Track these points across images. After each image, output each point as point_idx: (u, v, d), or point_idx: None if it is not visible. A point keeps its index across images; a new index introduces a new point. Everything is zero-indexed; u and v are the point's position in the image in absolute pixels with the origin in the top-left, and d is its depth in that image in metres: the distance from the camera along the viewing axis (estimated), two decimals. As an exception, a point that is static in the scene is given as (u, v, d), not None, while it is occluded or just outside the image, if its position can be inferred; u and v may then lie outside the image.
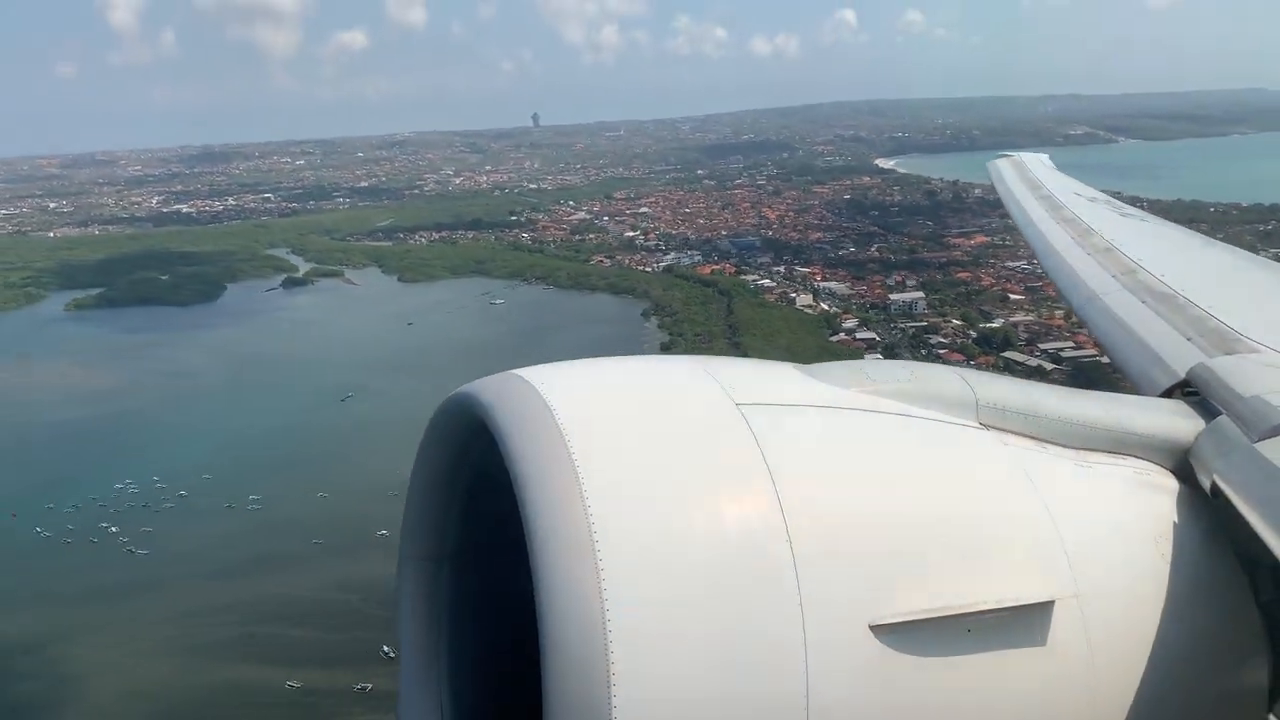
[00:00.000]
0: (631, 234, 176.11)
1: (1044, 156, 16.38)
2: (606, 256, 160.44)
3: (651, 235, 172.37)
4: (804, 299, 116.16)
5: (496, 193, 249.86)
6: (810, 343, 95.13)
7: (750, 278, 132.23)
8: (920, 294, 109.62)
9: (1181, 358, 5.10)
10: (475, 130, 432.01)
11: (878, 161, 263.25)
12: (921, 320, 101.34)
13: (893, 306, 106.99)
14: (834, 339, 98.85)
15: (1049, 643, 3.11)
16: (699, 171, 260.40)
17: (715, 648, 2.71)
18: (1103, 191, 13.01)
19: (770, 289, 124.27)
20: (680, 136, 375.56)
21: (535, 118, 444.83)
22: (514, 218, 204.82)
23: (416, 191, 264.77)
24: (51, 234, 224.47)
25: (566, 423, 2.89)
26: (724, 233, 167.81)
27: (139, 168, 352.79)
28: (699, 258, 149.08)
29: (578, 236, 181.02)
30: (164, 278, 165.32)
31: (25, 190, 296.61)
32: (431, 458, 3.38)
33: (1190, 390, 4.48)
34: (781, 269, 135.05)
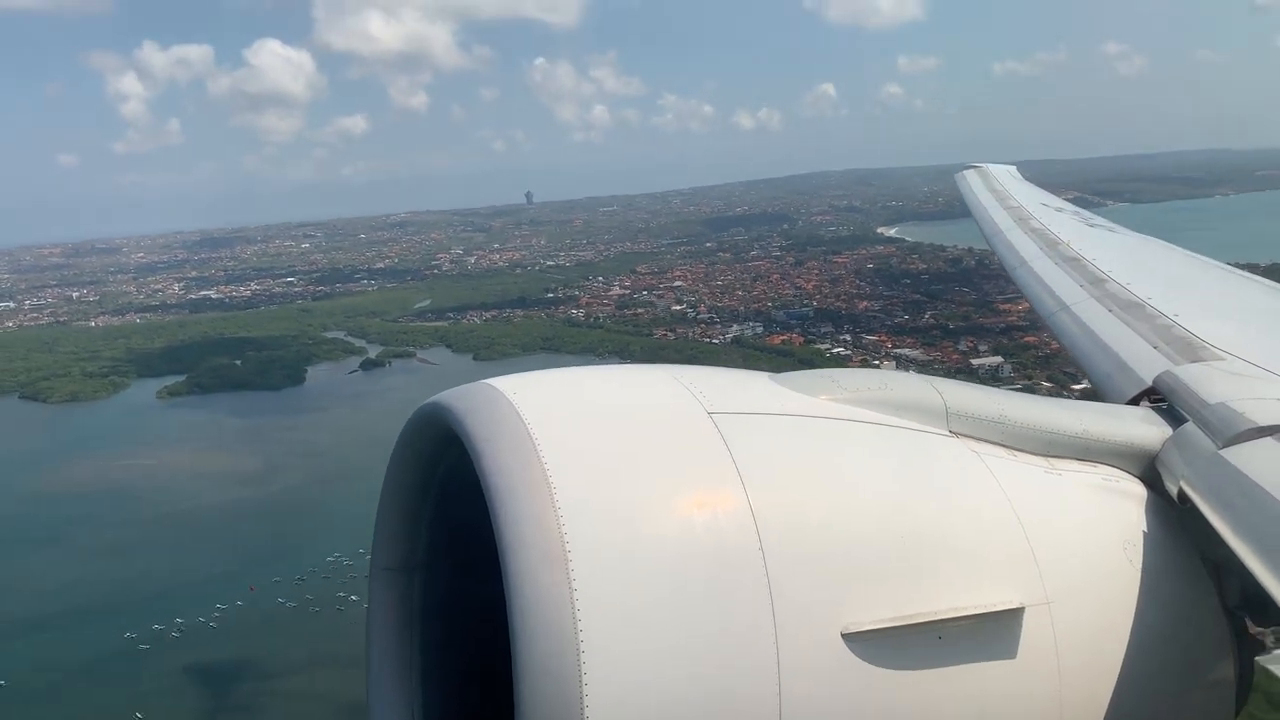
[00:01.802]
0: (679, 307, 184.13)
1: (1011, 168, 16.42)
2: (667, 330, 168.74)
3: (701, 308, 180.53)
4: (887, 366, 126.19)
5: (518, 271, 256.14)
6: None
7: (822, 347, 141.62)
8: (999, 358, 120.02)
9: (1148, 366, 5.18)
10: (470, 209, 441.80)
11: (879, 230, 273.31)
12: (1014, 383, 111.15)
13: (979, 371, 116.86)
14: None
15: (1019, 648, 3.16)
16: (707, 244, 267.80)
17: (688, 657, 2.71)
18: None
19: (849, 357, 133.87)
20: (674, 209, 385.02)
21: (529, 195, 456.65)
22: (550, 295, 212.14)
23: (435, 271, 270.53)
24: (92, 323, 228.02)
25: (538, 432, 2.90)
26: (769, 304, 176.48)
27: (142, 255, 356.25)
28: (760, 329, 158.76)
29: (626, 311, 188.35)
30: (237, 363, 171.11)
31: (39, 280, 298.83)
32: (403, 468, 3.45)
33: (1157, 398, 4.63)
34: (848, 337, 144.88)
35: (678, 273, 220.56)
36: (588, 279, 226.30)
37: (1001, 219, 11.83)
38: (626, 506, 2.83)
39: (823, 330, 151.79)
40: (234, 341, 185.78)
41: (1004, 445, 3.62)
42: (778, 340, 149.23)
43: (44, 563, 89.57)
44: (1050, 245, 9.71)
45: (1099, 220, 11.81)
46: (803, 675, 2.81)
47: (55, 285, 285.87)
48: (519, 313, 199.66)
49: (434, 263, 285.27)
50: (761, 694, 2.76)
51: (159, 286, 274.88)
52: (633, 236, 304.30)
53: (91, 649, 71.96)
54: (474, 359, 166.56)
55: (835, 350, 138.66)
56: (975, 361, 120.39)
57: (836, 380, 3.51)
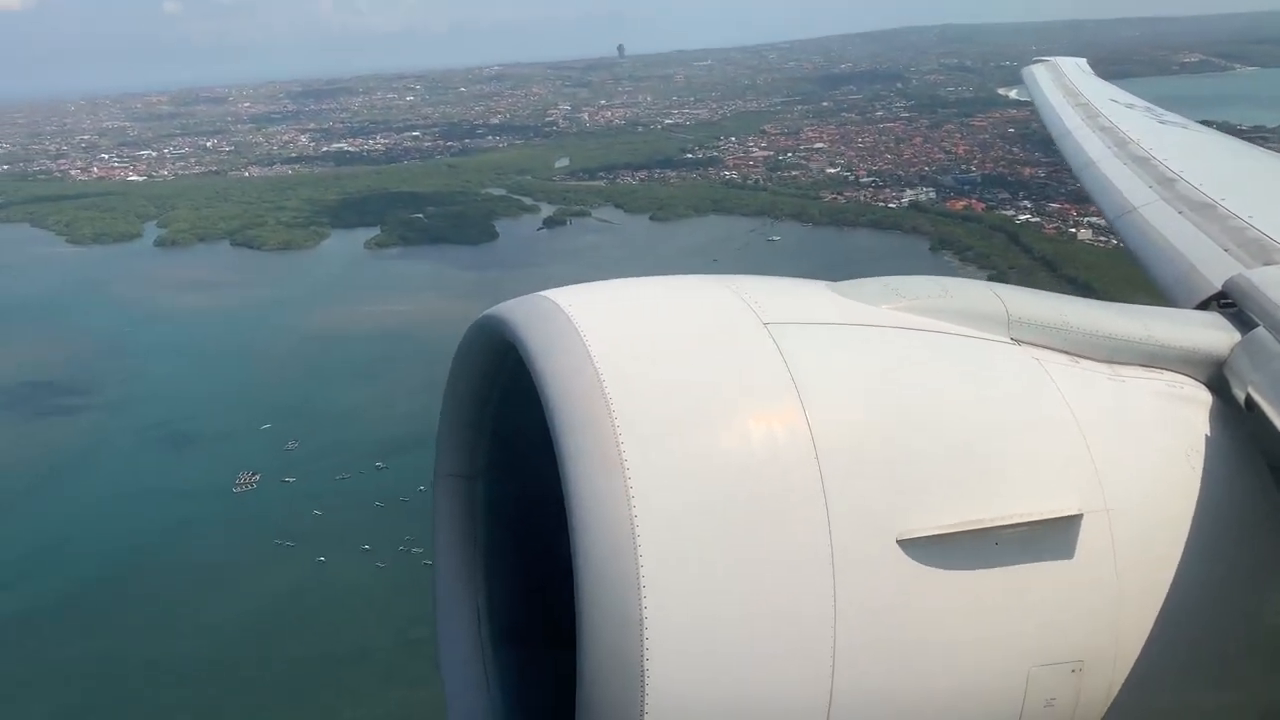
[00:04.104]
0: (833, 170, 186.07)
1: (1082, 61, 15.84)
2: (834, 194, 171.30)
3: (860, 172, 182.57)
4: (1084, 234, 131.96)
5: (639, 129, 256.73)
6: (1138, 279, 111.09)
7: (1007, 213, 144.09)
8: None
9: (1219, 269, 5.01)
10: (560, 61, 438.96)
11: (1000, 91, 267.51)
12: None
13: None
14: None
15: (1076, 556, 3.14)
16: (824, 103, 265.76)
17: (743, 562, 2.78)
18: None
19: (1039, 224, 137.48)
20: (773, 65, 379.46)
21: (620, 48, 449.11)
22: (690, 156, 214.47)
23: (554, 128, 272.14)
24: (245, 174, 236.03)
25: (594, 343, 2.95)
26: (926, 168, 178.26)
27: (248, 104, 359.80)
28: (934, 194, 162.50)
29: (779, 173, 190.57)
30: (420, 216, 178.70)
31: (162, 129, 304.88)
32: (463, 378, 3.55)
33: (1227, 302, 4.45)
34: (1028, 204, 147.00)
35: (811, 133, 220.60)
36: (719, 139, 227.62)
37: (1070, 117, 11.49)
38: (681, 416, 2.88)
39: (999, 197, 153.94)
40: (404, 196, 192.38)
41: (1066, 352, 3.57)
42: (959, 206, 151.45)
43: (375, 396, 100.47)
44: (1119, 144, 9.37)
45: (1171, 117, 11.30)
46: (858, 580, 2.86)
47: (181, 134, 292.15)
48: (670, 174, 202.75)
49: (548, 119, 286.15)
50: (817, 598, 2.83)
51: (287, 138, 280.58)
52: (740, 94, 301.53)
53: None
54: (650, 219, 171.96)
55: (1021, 218, 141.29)
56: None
57: (895, 288, 3.51)
